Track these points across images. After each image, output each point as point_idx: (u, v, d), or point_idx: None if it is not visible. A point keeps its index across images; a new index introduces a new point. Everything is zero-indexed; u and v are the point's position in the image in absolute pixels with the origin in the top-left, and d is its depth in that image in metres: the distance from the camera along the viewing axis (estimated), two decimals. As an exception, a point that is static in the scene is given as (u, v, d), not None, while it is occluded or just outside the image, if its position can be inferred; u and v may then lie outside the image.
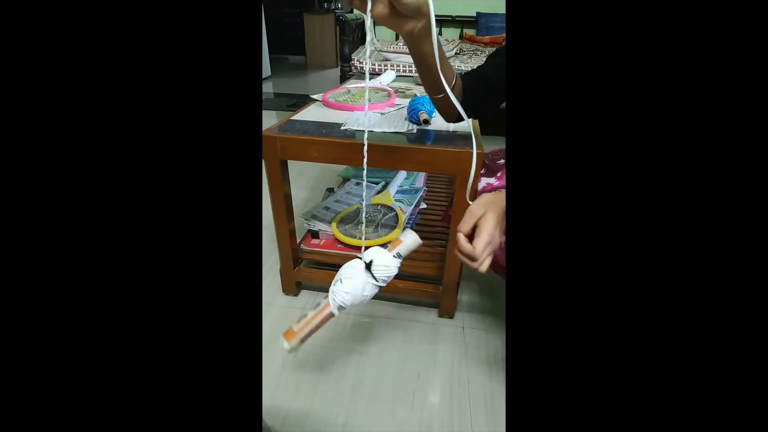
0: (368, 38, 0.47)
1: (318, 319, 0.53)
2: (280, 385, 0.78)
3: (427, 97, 0.89)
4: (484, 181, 0.78)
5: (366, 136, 0.48)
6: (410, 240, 0.56)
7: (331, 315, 0.53)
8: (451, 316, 0.95)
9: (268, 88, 3.24)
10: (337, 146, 0.76)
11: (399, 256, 0.55)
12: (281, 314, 0.95)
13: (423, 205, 1.21)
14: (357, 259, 0.54)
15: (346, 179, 1.35)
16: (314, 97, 1.04)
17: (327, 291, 0.53)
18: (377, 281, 0.53)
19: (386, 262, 0.53)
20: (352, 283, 0.52)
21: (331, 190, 1.29)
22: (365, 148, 0.48)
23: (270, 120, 2.47)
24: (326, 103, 0.98)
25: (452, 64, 2.00)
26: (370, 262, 0.52)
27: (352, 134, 0.79)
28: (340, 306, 0.53)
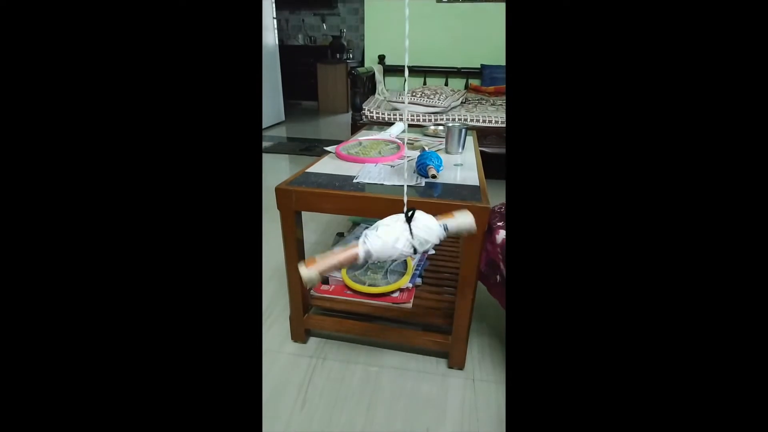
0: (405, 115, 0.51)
1: (342, 256, 0.50)
2: (288, 438, 0.77)
3: (434, 152, 0.93)
4: (503, 234, 0.79)
5: (405, 191, 0.50)
6: (463, 218, 0.52)
7: (356, 256, 0.50)
8: (461, 368, 0.94)
9: (281, 132, 3.37)
10: (350, 199, 0.80)
11: (445, 228, 0.51)
12: (290, 362, 0.95)
13: (432, 251, 1.23)
14: (400, 214, 0.52)
15: (355, 224, 1.38)
16: (327, 149, 1.09)
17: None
18: (413, 238, 0.50)
19: (429, 224, 0.51)
20: (387, 230, 0.50)
21: (341, 235, 1.31)
22: (405, 199, 0.49)
23: (283, 163, 2.55)
24: (339, 156, 1.03)
25: (458, 113, 2.09)
26: (412, 214, 0.50)
27: (363, 187, 0.83)
28: (368, 251, 0.50)
